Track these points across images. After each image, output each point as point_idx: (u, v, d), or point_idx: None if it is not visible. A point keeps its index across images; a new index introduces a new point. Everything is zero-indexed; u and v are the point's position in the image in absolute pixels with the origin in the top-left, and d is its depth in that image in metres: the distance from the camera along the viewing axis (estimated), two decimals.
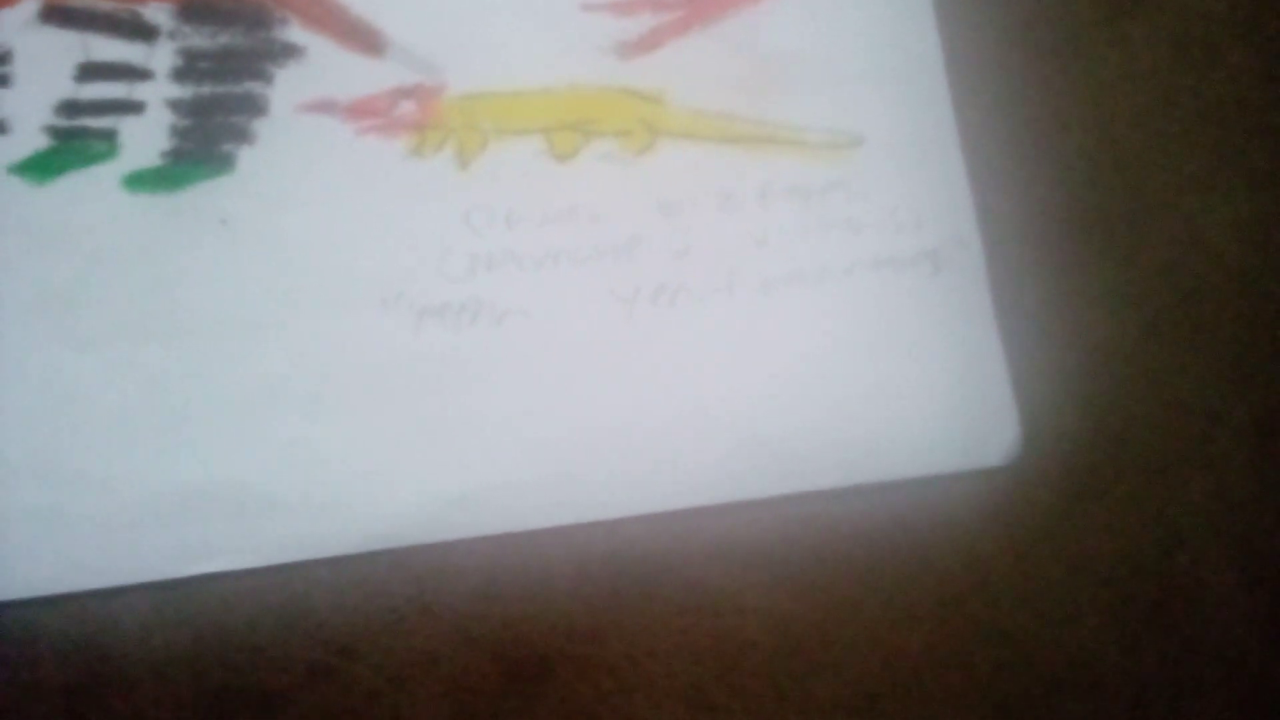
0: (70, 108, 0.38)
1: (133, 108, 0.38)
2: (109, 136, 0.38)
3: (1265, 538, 0.39)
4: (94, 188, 0.37)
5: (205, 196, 0.38)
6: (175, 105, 0.38)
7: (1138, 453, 0.39)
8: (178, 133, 0.38)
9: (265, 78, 0.38)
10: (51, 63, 0.38)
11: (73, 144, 0.38)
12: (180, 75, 0.38)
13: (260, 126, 0.38)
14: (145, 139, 0.38)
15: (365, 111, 0.39)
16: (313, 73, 0.39)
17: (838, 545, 0.38)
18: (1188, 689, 0.38)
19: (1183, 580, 0.38)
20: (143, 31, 0.38)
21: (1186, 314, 0.40)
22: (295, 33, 0.39)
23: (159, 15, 0.38)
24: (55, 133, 0.38)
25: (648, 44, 0.40)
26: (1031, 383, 0.39)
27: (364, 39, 0.39)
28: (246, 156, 0.38)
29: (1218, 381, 0.40)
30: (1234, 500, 0.39)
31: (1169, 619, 0.38)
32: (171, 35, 0.38)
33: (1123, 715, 0.38)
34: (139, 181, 0.37)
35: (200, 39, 0.38)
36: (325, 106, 0.38)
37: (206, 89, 0.38)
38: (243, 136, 0.38)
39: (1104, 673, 0.38)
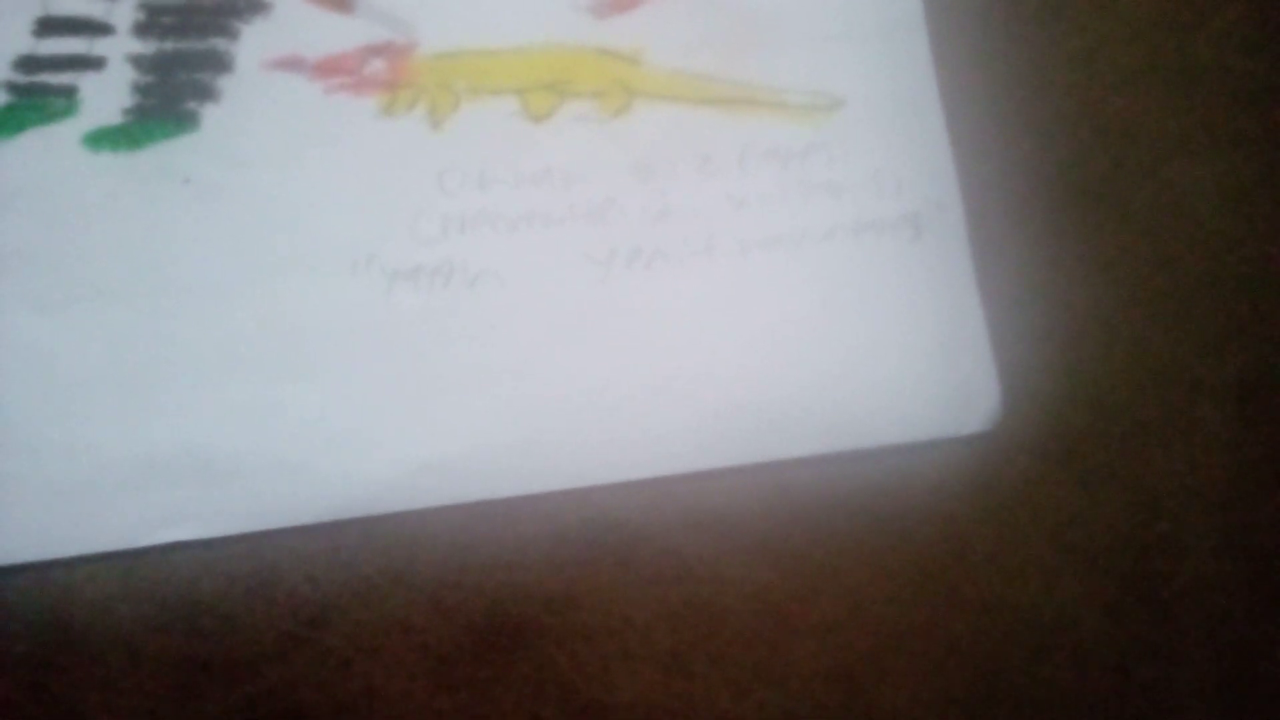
0: (29, 63, 0.37)
1: (93, 64, 0.37)
2: (69, 93, 0.37)
3: (1245, 504, 0.39)
4: (54, 145, 0.36)
5: (168, 155, 0.37)
6: (137, 61, 0.37)
7: (1118, 419, 0.39)
8: (140, 90, 0.37)
9: (230, 33, 0.38)
10: (9, 17, 0.37)
11: (32, 100, 0.37)
12: (142, 30, 0.37)
13: (225, 84, 0.37)
14: (106, 96, 0.37)
15: (334, 69, 0.38)
16: (280, 29, 0.38)
17: (816, 513, 0.37)
18: (1168, 655, 0.38)
19: (1163, 546, 0.38)
20: None
21: (1168, 280, 0.40)
22: None
23: None
24: (13, 89, 0.37)
25: (624, 3, 0.39)
26: (1012, 349, 0.39)
27: None
28: (211, 114, 0.37)
29: (1199, 348, 0.40)
30: (1214, 467, 0.39)
31: (1149, 585, 0.38)
32: None
33: (1103, 682, 0.38)
34: (100, 139, 0.37)
35: None
36: (293, 64, 0.38)
37: (169, 45, 0.37)
38: (207, 94, 0.37)
39: (1084, 640, 0.38)
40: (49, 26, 0.37)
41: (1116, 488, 0.39)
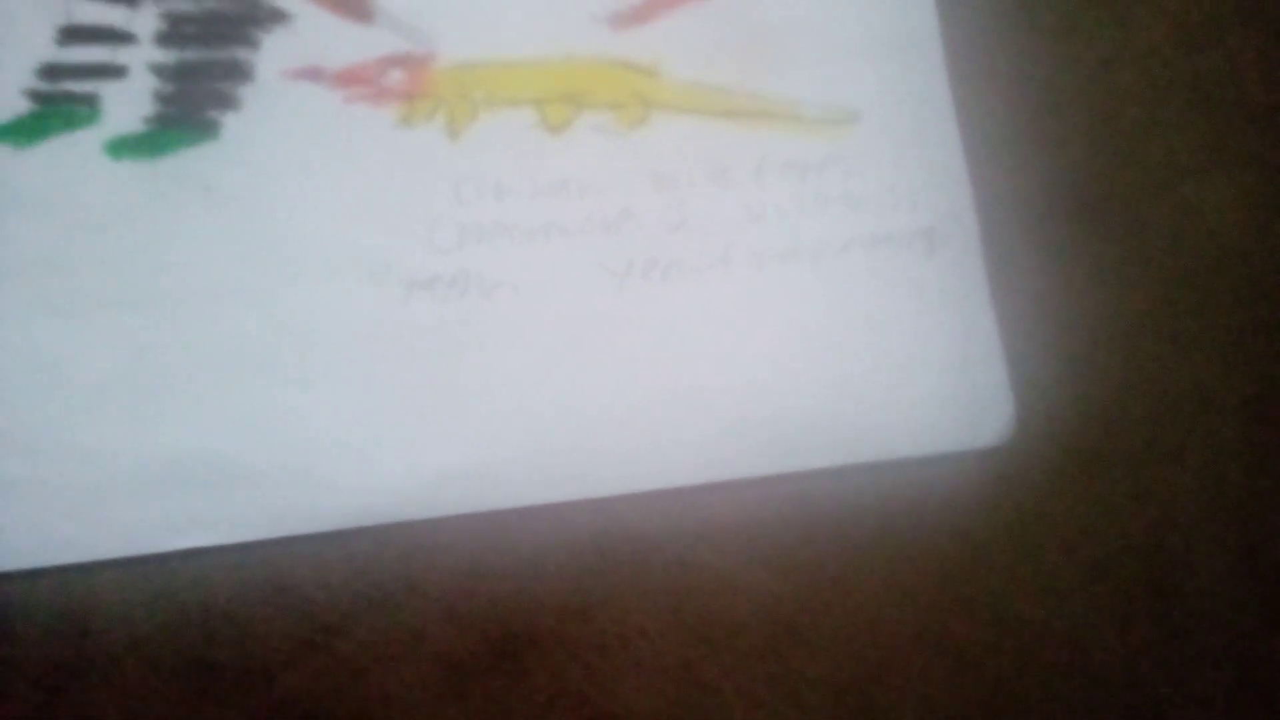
0: (52, 71, 0.37)
1: (115, 72, 0.37)
2: (91, 101, 0.37)
3: (1259, 519, 0.39)
4: (76, 153, 0.37)
5: (189, 163, 0.37)
6: (159, 70, 0.37)
7: (1132, 433, 0.39)
8: (161, 98, 0.37)
9: (252, 43, 0.38)
10: (33, 25, 0.37)
11: (55, 108, 0.37)
12: (164, 39, 0.38)
13: (246, 93, 0.37)
14: (128, 104, 0.37)
15: (354, 79, 0.38)
16: (300, 39, 0.38)
17: (829, 525, 0.38)
18: (1181, 669, 0.38)
19: (1176, 561, 0.38)
20: None
21: (1182, 294, 0.40)
22: None
23: None
24: (37, 96, 0.37)
25: (642, 15, 0.39)
26: (1026, 362, 0.39)
27: (353, 5, 0.38)
28: (231, 123, 0.37)
29: (1212, 363, 0.40)
30: (1228, 481, 0.39)
31: (1162, 599, 0.38)
32: None
33: (1116, 695, 0.37)
34: (122, 147, 0.37)
35: (185, 3, 0.38)
36: (313, 74, 0.38)
37: (191, 54, 0.38)
38: (228, 103, 0.37)
39: (1097, 653, 0.38)
40: (72, 35, 0.37)
41: (1130, 502, 0.39)
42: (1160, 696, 0.38)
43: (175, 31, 0.38)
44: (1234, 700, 0.38)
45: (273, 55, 0.38)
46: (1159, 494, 0.39)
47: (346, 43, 0.38)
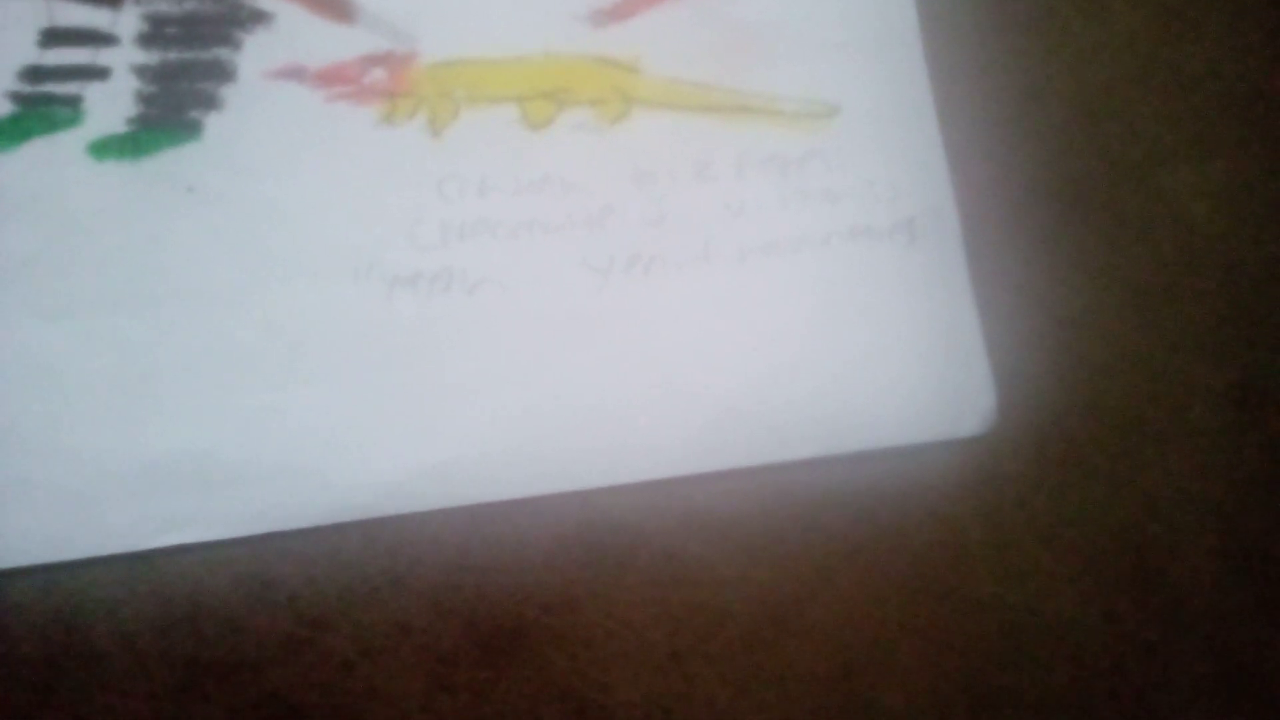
0: (34, 73, 0.37)
1: (98, 74, 0.37)
2: (74, 103, 0.37)
3: (1240, 506, 0.39)
4: (59, 154, 0.37)
5: (172, 164, 0.37)
6: (141, 71, 0.38)
7: (1114, 422, 0.39)
8: (144, 99, 0.37)
9: (233, 44, 0.38)
10: (15, 28, 0.37)
11: (37, 110, 0.37)
12: (146, 41, 0.38)
13: (228, 93, 0.38)
14: (111, 105, 0.37)
15: (335, 78, 0.38)
16: (282, 39, 0.38)
17: (813, 515, 0.38)
18: (1164, 656, 0.38)
19: (1158, 549, 0.39)
20: None
21: (1162, 284, 0.40)
22: None
23: None
24: (19, 99, 0.37)
25: (623, 12, 0.40)
26: (1007, 352, 0.39)
27: (334, 5, 0.38)
28: (214, 123, 0.37)
29: (1193, 351, 0.40)
30: (1209, 469, 0.39)
31: (1145, 588, 0.38)
32: (138, 0, 0.38)
33: (1099, 684, 0.38)
34: (104, 148, 0.37)
35: (167, 4, 0.38)
36: (294, 73, 0.38)
37: (173, 55, 0.38)
38: (210, 103, 0.38)
39: (1080, 642, 0.38)
40: (54, 37, 0.37)
41: (1112, 489, 0.39)
42: (1145, 682, 0.38)
43: (157, 33, 0.38)
44: (1219, 686, 0.38)
45: (254, 55, 0.38)
46: (1141, 482, 0.39)
47: (328, 42, 0.38)
